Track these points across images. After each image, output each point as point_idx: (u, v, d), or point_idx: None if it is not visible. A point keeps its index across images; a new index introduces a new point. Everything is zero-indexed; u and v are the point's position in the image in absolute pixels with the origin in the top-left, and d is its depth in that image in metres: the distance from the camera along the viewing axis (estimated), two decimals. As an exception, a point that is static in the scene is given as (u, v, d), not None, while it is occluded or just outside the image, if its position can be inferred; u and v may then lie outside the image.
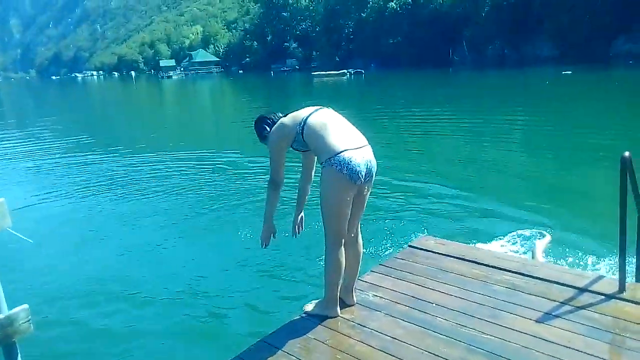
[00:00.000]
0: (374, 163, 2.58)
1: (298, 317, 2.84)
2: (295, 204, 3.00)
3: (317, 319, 2.78)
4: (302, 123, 2.60)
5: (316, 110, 2.67)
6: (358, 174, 2.47)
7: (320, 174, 2.58)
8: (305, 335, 2.64)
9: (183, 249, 5.74)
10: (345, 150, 2.46)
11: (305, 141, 2.61)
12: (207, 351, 3.58)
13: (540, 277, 3.04)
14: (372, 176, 2.59)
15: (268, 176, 2.74)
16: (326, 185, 2.53)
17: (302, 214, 3.01)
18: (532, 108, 17.48)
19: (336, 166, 2.45)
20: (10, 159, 13.12)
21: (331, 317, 2.77)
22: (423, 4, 65.48)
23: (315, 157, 2.70)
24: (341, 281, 2.74)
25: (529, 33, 53.51)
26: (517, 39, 54.73)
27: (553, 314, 2.65)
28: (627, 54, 40.51)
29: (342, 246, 2.66)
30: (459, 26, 60.42)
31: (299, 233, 3.03)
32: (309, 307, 2.87)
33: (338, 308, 2.79)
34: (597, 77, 29.29)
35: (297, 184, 2.96)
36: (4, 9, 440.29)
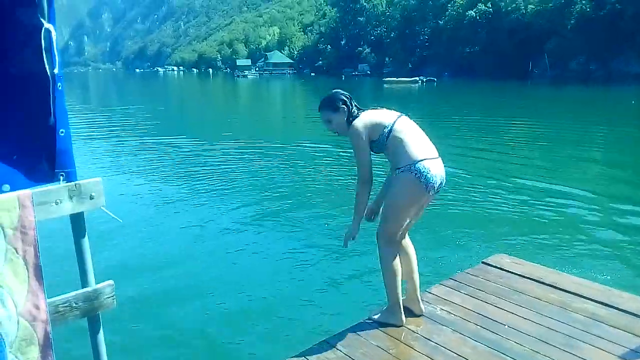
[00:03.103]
0: (444, 176, 2.61)
1: (363, 322, 2.80)
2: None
3: (381, 326, 2.73)
4: (390, 128, 2.59)
5: (399, 117, 2.67)
6: (433, 185, 2.52)
7: (394, 179, 2.60)
8: (368, 341, 2.60)
9: (261, 243, 5.84)
10: (425, 159, 2.51)
11: (387, 145, 2.59)
12: (271, 346, 3.62)
13: (626, 309, 2.81)
14: (441, 188, 2.62)
15: (352, 173, 2.74)
16: (401, 189, 2.56)
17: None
18: (615, 127, 16.40)
19: (415, 173, 2.49)
20: (97, 142, 14.05)
21: (397, 326, 2.72)
22: (504, 13, 63.33)
23: (391, 162, 2.66)
24: (401, 286, 2.70)
25: (618, 48, 50.29)
26: (604, 53, 51.60)
27: (635, 350, 2.44)
28: None
29: (396, 249, 2.67)
30: (541, 38, 57.82)
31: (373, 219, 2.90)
32: (376, 314, 2.83)
33: (403, 316, 2.74)
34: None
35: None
36: (98, 3, 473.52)
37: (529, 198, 7.54)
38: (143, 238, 5.96)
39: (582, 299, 2.96)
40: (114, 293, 1.85)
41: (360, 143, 2.59)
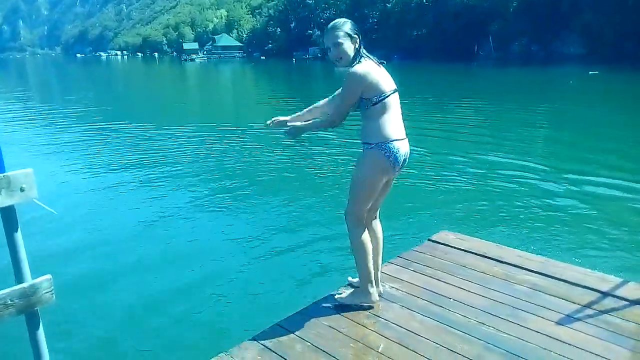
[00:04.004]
0: (408, 155, 2.65)
1: (315, 303, 2.83)
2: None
3: (334, 307, 2.77)
4: (385, 96, 2.50)
5: (395, 90, 2.58)
6: (399, 163, 2.57)
7: (363, 154, 2.58)
8: (320, 322, 2.63)
9: (208, 227, 5.79)
10: (396, 140, 2.54)
11: (371, 109, 2.51)
12: (224, 330, 3.61)
13: (563, 278, 2.98)
14: (403, 166, 2.65)
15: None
16: (369, 166, 2.57)
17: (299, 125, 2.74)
18: (553, 107, 17.19)
19: (385, 152, 2.51)
20: (36, 131, 13.36)
21: (369, 305, 2.75)
22: (450, -3, 64.48)
23: (363, 128, 2.57)
24: (372, 264, 2.71)
25: (557, 30, 52.45)
26: (544, 36, 53.69)
27: (574, 316, 2.60)
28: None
29: (364, 227, 2.68)
30: (485, 20, 59.39)
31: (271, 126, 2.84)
32: (341, 295, 2.84)
33: (376, 294, 2.77)
34: (625, 79, 28.58)
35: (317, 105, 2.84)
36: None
37: (473, 175, 7.83)
38: (82, 229, 5.77)
39: (524, 270, 3.11)
40: (52, 287, 1.78)
41: (354, 89, 2.49)
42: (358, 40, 2.56)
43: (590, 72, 31.11)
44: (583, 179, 7.56)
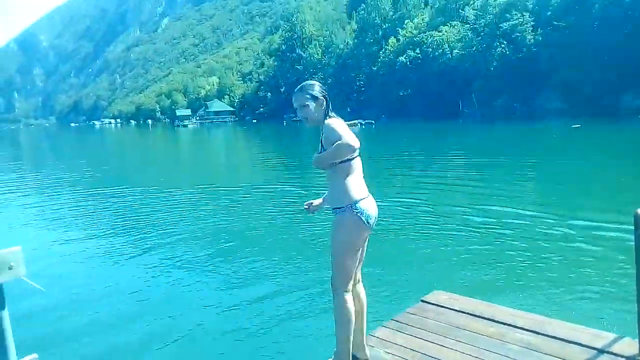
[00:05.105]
0: (377, 211, 2.71)
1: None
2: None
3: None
4: (353, 157, 2.60)
5: (359, 153, 2.66)
6: (371, 220, 2.62)
7: (335, 220, 2.62)
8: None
9: (193, 294, 5.71)
10: (363, 199, 2.60)
11: (337, 166, 2.57)
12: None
13: (557, 336, 2.95)
14: (374, 224, 2.70)
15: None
16: (345, 230, 2.60)
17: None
18: (540, 161, 17.55)
19: (357, 212, 2.56)
20: (25, 204, 13.30)
21: None
22: (432, 58, 67.13)
23: (331, 189, 2.64)
24: (352, 335, 2.67)
25: (538, 87, 54.34)
26: (525, 92, 55.49)
27: (570, 375, 2.56)
28: (637, 110, 40.65)
29: (351, 296, 2.66)
30: (467, 79, 61.57)
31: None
32: None
33: None
34: (606, 130, 29.42)
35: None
36: (28, 59, 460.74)
37: (462, 232, 7.85)
38: (69, 305, 5.63)
39: (517, 329, 3.08)
40: (38, 368, 1.75)
41: (341, 126, 2.54)
42: (324, 102, 2.68)
43: (573, 126, 32.03)
44: (574, 232, 7.61)
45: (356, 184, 2.62)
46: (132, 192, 14.24)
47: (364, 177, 2.70)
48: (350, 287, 2.67)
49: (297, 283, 5.79)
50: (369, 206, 2.62)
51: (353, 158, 2.61)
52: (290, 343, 4.39)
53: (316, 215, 2.76)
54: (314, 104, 2.67)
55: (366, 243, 2.78)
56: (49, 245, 8.34)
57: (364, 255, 2.81)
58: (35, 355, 1.77)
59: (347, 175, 2.59)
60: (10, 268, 1.71)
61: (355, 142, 2.50)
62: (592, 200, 10.21)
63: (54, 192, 15.32)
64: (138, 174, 21.83)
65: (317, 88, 2.70)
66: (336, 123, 2.59)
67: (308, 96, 2.68)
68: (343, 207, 2.58)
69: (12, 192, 15.59)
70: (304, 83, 2.76)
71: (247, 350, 4.31)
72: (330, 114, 2.68)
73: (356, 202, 2.57)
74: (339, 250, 2.63)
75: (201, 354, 4.28)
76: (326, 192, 2.80)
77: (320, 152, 2.62)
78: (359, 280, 2.85)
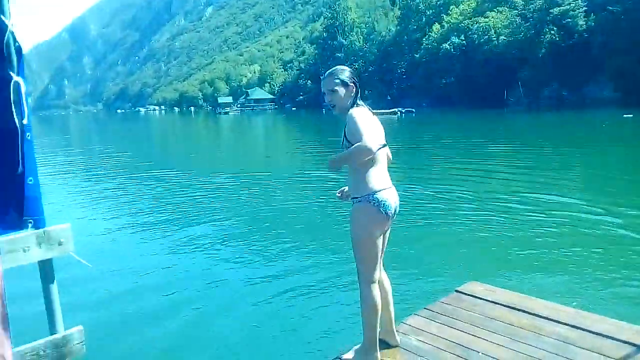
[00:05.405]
0: (398, 202, 2.65)
1: None
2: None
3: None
4: (378, 148, 2.50)
5: (383, 145, 2.63)
6: (390, 212, 2.56)
7: (353, 210, 2.58)
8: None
9: (236, 278, 5.81)
10: (382, 189, 2.54)
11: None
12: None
13: (595, 331, 2.88)
14: (396, 215, 2.65)
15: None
16: (364, 222, 2.55)
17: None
18: (588, 149, 16.89)
19: (374, 203, 2.51)
20: (75, 184, 13.93)
21: None
22: (477, 45, 65.39)
23: (352, 180, 2.60)
24: (379, 325, 2.68)
25: (589, 74, 52.12)
26: (575, 80, 53.37)
27: (608, 371, 2.49)
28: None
29: (377, 287, 2.64)
30: (514, 67, 59.70)
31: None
32: (349, 355, 2.77)
33: (378, 353, 2.70)
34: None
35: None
36: (78, 47, 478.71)
37: (501, 223, 7.66)
38: (116, 281, 5.85)
39: (554, 322, 3.02)
40: (83, 339, 1.86)
41: (364, 121, 2.43)
42: (354, 89, 2.60)
43: (624, 115, 30.58)
44: (620, 226, 7.31)
45: (377, 174, 2.55)
46: (176, 175, 14.66)
47: (394, 166, 2.62)
48: (376, 277, 2.63)
49: (329, 270, 5.82)
50: (389, 197, 2.54)
51: (378, 148, 2.52)
52: (317, 331, 4.42)
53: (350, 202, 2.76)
54: (344, 91, 2.59)
55: (388, 233, 2.72)
56: (97, 224, 8.72)
57: (386, 245, 2.76)
58: (80, 327, 1.88)
59: (370, 166, 2.53)
60: (60, 244, 1.82)
61: (375, 145, 2.38)
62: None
63: (102, 173, 15.98)
64: (181, 158, 22.42)
65: (347, 74, 2.61)
66: (359, 115, 2.46)
67: (337, 81, 2.58)
68: (360, 198, 2.54)
69: (64, 173, 16.35)
70: (334, 67, 2.67)
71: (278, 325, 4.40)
72: (358, 101, 2.61)
73: (374, 192, 2.50)
74: (358, 242, 2.59)
75: (231, 337, 4.39)
76: (322, 156, 2.72)
77: (343, 143, 2.56)
78: (383, 270, 2.81)
